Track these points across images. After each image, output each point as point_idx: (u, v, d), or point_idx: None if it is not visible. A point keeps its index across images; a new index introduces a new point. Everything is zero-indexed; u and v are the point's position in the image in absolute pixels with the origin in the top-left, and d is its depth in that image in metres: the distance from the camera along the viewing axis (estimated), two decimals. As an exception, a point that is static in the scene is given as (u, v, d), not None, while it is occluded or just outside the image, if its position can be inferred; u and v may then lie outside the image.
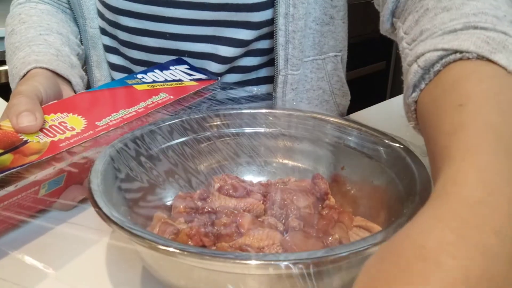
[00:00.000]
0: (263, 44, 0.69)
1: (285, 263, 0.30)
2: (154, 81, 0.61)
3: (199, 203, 0.47)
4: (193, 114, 0.54)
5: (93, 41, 0.74)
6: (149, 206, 0.46)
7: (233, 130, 0.55)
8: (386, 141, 0.48)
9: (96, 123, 0.50)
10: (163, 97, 0.57)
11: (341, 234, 0.41)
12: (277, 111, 0.55)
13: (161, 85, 0.60)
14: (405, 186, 0.42)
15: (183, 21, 0.66)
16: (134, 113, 0.53)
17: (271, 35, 0.67)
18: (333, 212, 0.46)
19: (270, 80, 0.72)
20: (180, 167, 0.52)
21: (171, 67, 0.65)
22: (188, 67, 0.66)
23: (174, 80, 0.62)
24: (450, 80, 0.34)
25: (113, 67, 0.75)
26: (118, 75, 0.74)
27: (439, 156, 0.30)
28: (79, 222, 0.50)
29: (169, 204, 0.49)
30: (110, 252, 0.46)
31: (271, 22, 0.65)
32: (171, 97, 0.57)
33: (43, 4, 0.73)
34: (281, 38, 0.65)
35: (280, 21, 0.64)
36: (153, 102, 0.55)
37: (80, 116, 0.51)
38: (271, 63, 0.69)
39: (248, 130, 0.55)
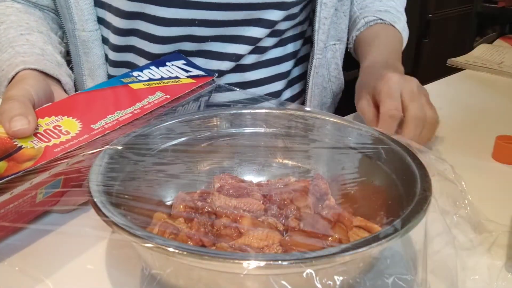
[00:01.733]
0: (282, 25, 0.72)
1: (285, 263, 0.30)
2: (150, 79, 0.59)
3: (199, 203, 0.47)
4: (193, 114, 0.54)
5: (86, 46, 0.70)
6: (149, 206, 0.46)
7: (233, 130, 0.55)
8: (386, 141, 0.48)
9: (91, 126, 0.49)
10: (159, 96, 0.56)
11: (340, 234, 0.41)
12: (277, 111, 0.55)
13: (157, 83, 0.59)
14: (405, 186, 0.42)
15: (217, 6, 0.65)
16: (130, 114, 0.52)
17: (292, 16, 0.72)
18: (333, 213, 0.46)
19: (278, 61, 0.76)
20: (180, 167, 0.52)
21: (167, 63, 0.64)
22: (185, 62, 0.65)
23: (170, 78, 0.61)
24: (374, 30, 0.79)
25: (126, 65, 0.72)
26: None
27: (364, 54, 0.76)
28: (78, 224, 0.50)
29: (169, 204, 0.49)
30: (110, 253, 0.46)
31: (301, 1, 0.72)
32: (168, 96, 0.56)
33: (17, 3, 0.69)
34: (316, 25, 0.72)
35: (318, 8, 0.71)
36: (149, 103, 0.54)
37: (75, 119, 0.50)
38: (281, 43, 0.75)
39: (248, 130, 0.55)
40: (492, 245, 0.45)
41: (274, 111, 0.55)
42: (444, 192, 0.41)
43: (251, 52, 0.72)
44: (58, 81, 0.61)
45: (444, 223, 0.39)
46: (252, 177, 0.54)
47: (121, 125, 0.50)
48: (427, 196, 0.38)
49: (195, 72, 0.63)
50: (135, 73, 0.60)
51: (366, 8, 0.82)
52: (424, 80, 0.96)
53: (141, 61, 0.71)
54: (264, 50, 0.73)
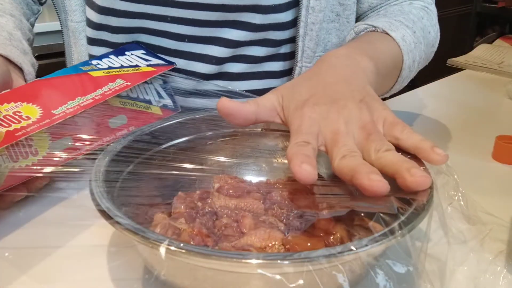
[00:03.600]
0: (273, 35, 0.69)
1: (287, 262, 0.30)
2: (110, 67, 0.59)
3: (199, 203, 0.47)
4: (194, 114, 0.54)
5: (75, 36, 0.72)
6: (149, 207, 0.46)
7: (233, 130, 0.55)
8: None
9: (52, 111, 0.49)
10: (120, 83, 0.56)
11: (342, 233, 0.41)
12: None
13: (118, 71, 0.59)
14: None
15: (187, 5, 0.64)
16: (91, 100, 0.52)
17: (281, 26, 0.68)
18: (334, 211, 0.46)
19: (276, 75, 0.72)
20: (180, 167, 0.52)
21: (126, 53, 0.64)
22: (144, 52, 0.65)
23: (130, 66, 0.61)
24: (367, 36, 0.63)
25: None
26: None
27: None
28: (78, 223, 0.50)
29: (169, 204, 0.49)
30: (111, 253, 0.46)
31: (284, 7, 0.66)
32: (128, 83, 0.56)
33: None
34: (301, 30, 0.67)
35: (302, 13, 0.66)
36: (110, 89, 0.55)
37: (35, 105, 0.50)
38: (279, 57, 0.71)
39: (247, 130, 0.55)
40: (485, 237, 0.45)
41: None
42: (438, 184, 0.41)
43: (237, 60, 0.69)
44: (20, 69, 0.60)
45: (440, 215, 0.39)
46: (252, 177, 0.54)
47: (83, 110, 0.51)
48: (427, 197, 0.38)
49: (155, 61, 0.64)
50: (94, 62, 0.61)
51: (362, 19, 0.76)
52: (424, 80, 0.96)
53: None
54: (254, 60, 0.70)
